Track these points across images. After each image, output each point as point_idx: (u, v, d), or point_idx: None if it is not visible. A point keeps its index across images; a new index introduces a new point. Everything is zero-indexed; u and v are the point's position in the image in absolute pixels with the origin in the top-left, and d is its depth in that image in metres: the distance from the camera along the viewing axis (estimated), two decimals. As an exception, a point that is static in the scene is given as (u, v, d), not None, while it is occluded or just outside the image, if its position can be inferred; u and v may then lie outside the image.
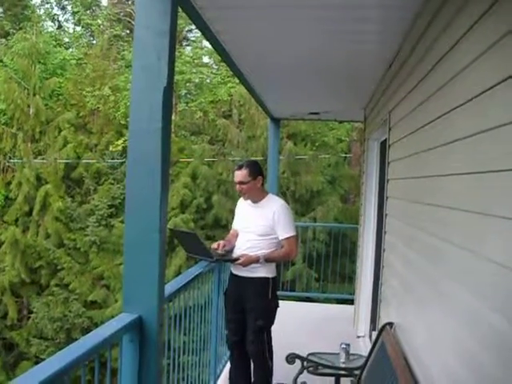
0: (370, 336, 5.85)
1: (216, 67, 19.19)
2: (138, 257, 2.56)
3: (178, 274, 12.35)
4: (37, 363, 14.07)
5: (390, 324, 3.78)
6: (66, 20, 24.43)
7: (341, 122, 12.58)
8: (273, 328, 4.77)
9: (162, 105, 2.51)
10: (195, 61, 18.47)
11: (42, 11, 23.59)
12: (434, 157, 2.87)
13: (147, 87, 2.55)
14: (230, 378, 5.01)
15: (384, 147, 5.16)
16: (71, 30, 23.27)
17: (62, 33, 22.93)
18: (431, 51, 3.01)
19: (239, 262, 4.51)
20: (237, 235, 4.87)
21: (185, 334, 4.19)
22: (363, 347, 5.83)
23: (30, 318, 15.13)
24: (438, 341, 2.62)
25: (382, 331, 3.81)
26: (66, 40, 21.45)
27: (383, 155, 5.33)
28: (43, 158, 16.00)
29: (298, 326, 7.12)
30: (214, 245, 4.79)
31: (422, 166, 3.22)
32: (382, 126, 5.28)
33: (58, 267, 15.02)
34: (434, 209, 2.84)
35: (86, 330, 14.03)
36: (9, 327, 15.12)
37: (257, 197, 4.68)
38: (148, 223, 2.53)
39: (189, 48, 20.07)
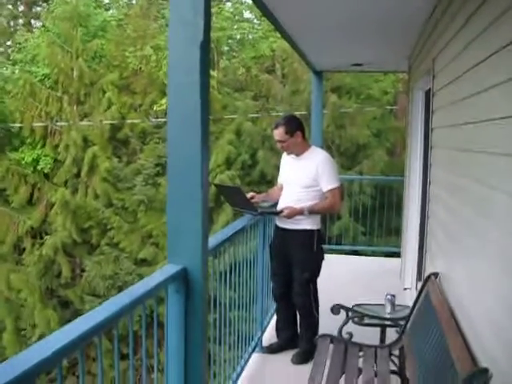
0: (416, 288, 5.84)
1: (257, 22, 18.99)
2: (181, 209, 2.59)
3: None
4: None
5: (435, 274, 3.77)
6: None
7: (385, 73, 12.37)
8: (319, 280, 4.81)
9: (200, 59, 2.51)
10: (236, 16, 18.30)
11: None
12: (479, 102, 2.81)
13: (184, 42, 2.54)
14: (277, 330, 5.10)
15: (428, 96, 5.07)
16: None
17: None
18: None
19: (283, 214, 4.54)
20: (281, 189, 4.89)
21: (232, 289, 4.26)
22: (409, 299, 5.83)
23: (82, 276, 15.55)
24: (481, 289, 2.61)
25: (427, 281, 3.80)
26: (106, 1, 21.47)
27: (428, 104, 5.24)
28: (89, 120, 16.19)
29: (344, 279, 7.16)
30: (251, 194, 4.82)
31: (466, 113, 3.15)
32: (426, 74, 5.17)
33: (108, 227, 15.31)
34: (479, 156, 2.79)
35: (136, 287, 14.36)
36: (63, 285, 15.58)
37: (299, 151, 4.68)
38: (190, 177, 2.55)
39: (229, 4, 19.87)
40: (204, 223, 2.60)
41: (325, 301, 4.72)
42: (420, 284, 4.35)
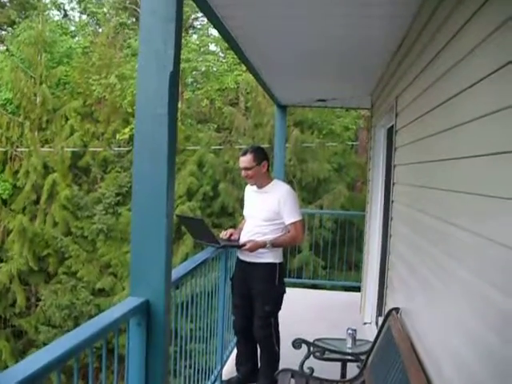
0: (377, 322, 5.86)
1: (222, 55, 19.16)
2: (144, 241, 2.57)
3: (185, 261, 12.39)
4: (45, 351, 14.29)
5: (396, 309, 3.79)
6: (72, 8, 24.42)
7: (348, 110, 12.56)
8: (280, 314, 4.79)
9: (169, 90, 2.52)
10: (201, 49, 18.44)
11: (48, 0, 23.57)
12: (440, 141, 2.88)
13: (153, 73, 2.55)
14: (237, 364, 5.04)
15: (391, 133, 5.16)
16: (77, 19, 23.30)
17: (68, 21, 22.93)
18: (440, 33, 3.00)
19: (246, 247, 4.52)
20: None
21: (192, 322, 4.22)
22: (369, 333, 5.85)
23: (38, 305, 15.23)
24: (442, 324, 2.63)
25: (388, 316, 3.82)
26: (72, 28, 21.45)
27: (390, 141, 5.32)
28: (50, 147, 16.04)
29: (304, 312, 7.15)
30: (223, 233, 4.83)
31: (428, 151, 3.22)
32: (388, 112, 5.27)
33: (66, 255, 15.09)
34: (438, 192, 2.84)
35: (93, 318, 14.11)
36: (17, 315, 15.24)
37: (262, 182, 4.69)
38: (155, 208, 2.54)
39: (195, 36, 20.03)
40: (168, 255, 2.58)
41: (285, 335, 4.70)
42: (381, 319, 4.37)
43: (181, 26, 2.66)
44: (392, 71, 5.07)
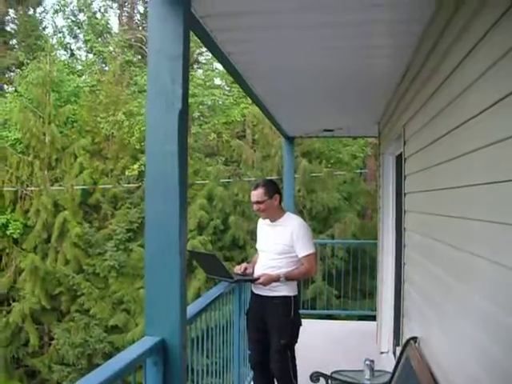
0: (394, 352, 5.79)
1: (228, 88, 19.31)
2: (158, 279, 2.56)
3: (198, 296, 12.33)
4: (59, 390, 14.17)
5: (414, 338, 3.75)
6: (79, 48, 24.80)
7: (355, 138, 12.60)
8: (296, 346, 4.74)
9: (178, 128, 2.52)
10: (207, 83, 18.60)
11: (55, 40, 23.93)
12: (451, 168, 2.86)
13: (162, 111, 2.56)
14: (254, 399, 4.99)
15: (400, 161, 5.15)
16: (84, 58, 23.61)
17: (75, 61, 23.25)
18: (443, 63, 3.01)
19: (260, 281, 4.50)
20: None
21: (207, 357, 4.18)
22: (387, 363, 5.77)
23: (51, 344, 15.18)
24: (461, 352, 2.60)
25: (406, 346, 3.77)
26: (79, 68, 21.72)
27: (399, 169, 5.31)
28: (60, 185, 16.12)
29: (320, 343, 7.07)
30: (237, 268, 4.81)
31: (438, 178, 3.20)
32: (396, 140, 5.27)
33: (78, 293, 15.06)
34: (452, 220, 2.82)
35: (107, 355, 14.05)
36: (30, 354, 15.18)
37: (274, 216, 4.69)
38: (168, 245, 2.53)
39: (200, 71, 20.22)
40: (182, 293, 2.56)
41: (302, 367, 4.66)
42: (398, 348, 4.32)
43: (188, 64, 2.68)
44: (398, 99, 5.08)
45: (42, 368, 14.93)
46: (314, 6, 3.22)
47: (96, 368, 2.24)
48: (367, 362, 4.52)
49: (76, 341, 14.47)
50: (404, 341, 3.95)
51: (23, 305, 14.93)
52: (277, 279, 4.48)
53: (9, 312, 15.13)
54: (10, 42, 25.71)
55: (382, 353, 6.52)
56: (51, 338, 15.30)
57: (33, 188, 16.21)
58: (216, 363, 4.52)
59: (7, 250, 15.82)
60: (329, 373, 4.48)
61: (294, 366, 4.69)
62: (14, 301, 15.43)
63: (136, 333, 13.87)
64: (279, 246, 4.56)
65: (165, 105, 2.55)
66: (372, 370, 4.50)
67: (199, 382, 3.98)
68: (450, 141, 2.90)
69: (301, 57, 4.37)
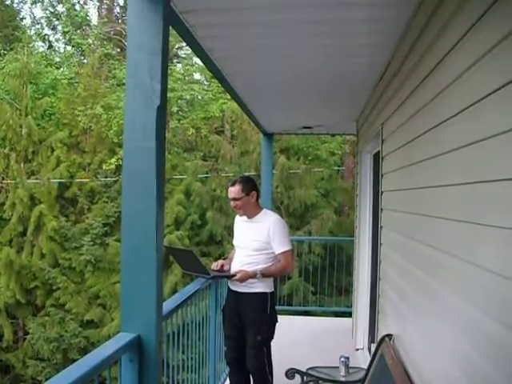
0: (369, 348, 5.84)
1: (207, 83, 19.26)
2: (135, 275, 2.55)
3: (174, 291, 12.32)
4: (33, 385, 14.06)
5: (389, 336, 3.78)
6: (57, 40, 24.54)
7: (333, 135, 12.64)
8: (271, 343, 4.76)
9: (156, 124, 2.52)
10: (186, 78, 18.54)
11: (33, 32, 23.67)
12: (428, 168, 2.89)
13: (140, 106, 2.55)
14: (230, 395, 5.00)
15: (377, 159, 5.19)
16: (62, 50, 23.37)
17: (53, 53, 23.00)
18: (422, 63, 3.04)
19: (236, 277, 4.51)
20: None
21: (183, 352, 4.18)
22: (362, 360, 5.82)
23: (25, 339, 15.04)
24: (436, 350, 2.63)
25: (380, 343, 3.81)
26: (57, 60, 21.49)
27: (376, 167, 5.35)
28: (36, 178, 15.97)
29: (296, 340, 7.10)
30: (214, 265, 4.81)
31: (415, 178, 3.23)
32: (374, 138, 5.30)
33: (54, 287, 14.95)
34: (428, 219, 2.85)
35: (82, 350, 13.97)
36: (4, 349, 15.02)
37: (251, 212, 4.70)
38: (144, 241, 2.53)
39: (180, 65, 20.13)
40: (158, 290, 2.56)
41: (278, 364, 4.67)
42: (373, 345, 4.36)
43: (167, 60, 2.68)
44: (377, 98, 5.12)
45: (16, 363, 14.79)
46: (291, 3, 3.23)
47: (71, 363, 2.24)
48: (342, 359, 4.55)
49: (51, 335, 14.36)
50: (379, 338, 3.98)
51: (-2, 299, 14.77)
52: (253, 276, 4.49)
53: (-17, 306, 14.97)
54: (-13, 33, 25.38)
55: (357, 349, 6.57)
56: (26, 333, 15.17)
57: (9, 181, 16.04)
58: (192, 359, 4.53)
59: (-18, 243, 15.65)
60: (304, 369, 4.51)
61: (270, 362, 4.71)
62: (-12, 294, 15.26)
63: (112, 328, 13.81)
64: (256, 242, 4.57)
65: (143, 100, 2.55)
66: (347, 366, 4.53)
67: (175, 377, 3.98)
68: (426, 141, 2.93)
69: (280, 54, 4.38)
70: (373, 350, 4.17)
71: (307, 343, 7.06)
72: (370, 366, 3.88)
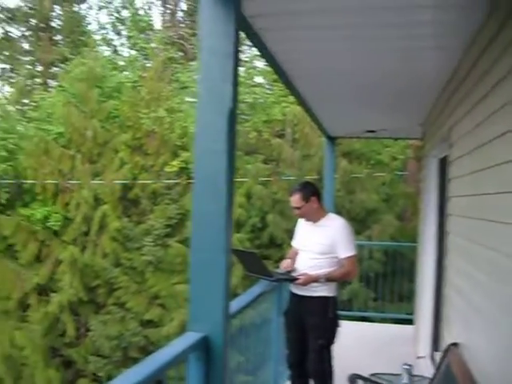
0: (432, 357, 5.73)
1: (269, 87, 19.30)
2: (203, 276, 2.58)
3: (234, 292, 12.37)
4: (94, 380, 14.37)
5: (455, 344, 3.70)
6: (122, 44, 25.08)
7: (396, 140, 12.49)
8: (333, 347, 4.73)
9: (227, 127, 2.54)
10: (248, 81, 18.62)
11: (99, 37, 24.27)
12: (499, 174, 2.82)
13: (212, 110, 2.58)
14: (291, 398, 4.99)
15: (444, 164, 5.10)
16: (126, 54, 23.84)
17: (118, 57, 23.50)
18: (495, 67, 2.97)
19: (300, 281, 4.51)
20: (296, 254, 4.87)
21: (243, 354, 4.19)
22: (425, 368, 5.71)
23: (87, 336, 15.35)
24: (508, 360, 2.56)
25: (446, 352, 3.73)
26: (122, 64, 21.93)
27: (443, 172, 5.25)
28: (101, 179, 16.30)
29: (356, 346, 7.04)
30: (284, 265, 4.80)
31: (485, 183, 3.16)
32: (441, 142, 5.21)
33: (115, 286, 15.21)
34: (498, 226, 2.78)
35: (142, 349, 14.18)
36: (67, 344, 15.37)
37: (315, 217, 4.68)
38: (214, 242, 2.55)
39: (241, 69, 20.24)
40: (226, 291, 2.58)
41: (338, 368, 4.64)
42: (437, 353, 4.27)
43: (238, 63, 2.70)
44: (444, 102, 5.03)
45: (78, 358, 15.11)
46: (358, 6, 3.22)
47: (131, 361, 2.28)
48: (405, 367, 4.47)
49: (112, 333, 14.61)
50: (444, 346, 3.91)
51: (61, 296, 15.10)
52: (317, 279, 4.48)
53: (47, 302, 15.34)
54: (55, 38, 26.15)
55: (419, 357, 6.45)
56: (87, 330, 15.47)
57: (74, 181, 16.42)
58: (252, 361, 4.54)
59: (47, 242, 16.04)
60: (366, 375, 4.46)
61: (331, 367, 4.69)
62: (52, 291, 15.64)
63: (171, 328, 13.96)
64: (320, 246, 4.56)
65: (215, 103, 2.57)
66: (410, 374, 4.45)
67: (235, 379, 3.99)
68: (498, 146, 2.86)
69: (345, 57, 4.37)
70: (436, 358, 4.10)
71: (367, 349, 6.99)
72: (435, 375, 3.81)
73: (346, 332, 5.37)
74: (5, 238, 15.87)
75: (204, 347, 2.55)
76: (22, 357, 14.89)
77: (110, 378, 13.91)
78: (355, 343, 7.11)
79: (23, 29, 26.70)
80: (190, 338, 2.54)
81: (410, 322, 7.72)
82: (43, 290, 15.88)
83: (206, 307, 2.59)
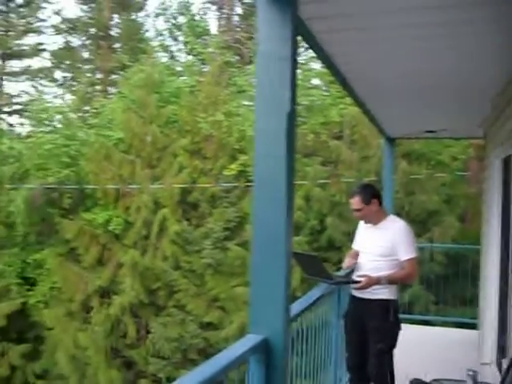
0: (499, 363, 5.57)
1: (325, 89, 19.20)
2: (264, 279, 2.59)
3: (293, 295, 12.35)
4: (154, 381, 14.59)
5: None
6: (179, 50, 25.46)
7: (457, 139, 12.25)
8: (394, 352, 4.67)
9: (286, 130, 2.54)
10: (304, 83, 18.56)
11: (156, 43, 24.68)
12: None
13: (270, 114, 2.59)
14: (351, 402, 4.95)
15: (507, 164, 4.97)
16: (183, 59, 24.14)
17: (175, 62, 23.83)
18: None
19: (360, 284, 4.47)
20: (357, 255, 4.84)
21: (302, 356, 4.18)
22: (490, 375, 5.56)
23: (147, 337, 15.59)
24: None
25: (513, 358, 3.63)
26: (179, 69, 22.22)
27: (507, 172, 5.13)
28: (160, 184, 16.54)
29: (417, 350, 6.93)
30: (348, 263, 4.76)
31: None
32: (505, 142, 5.08)
33: (175, 289, 15.39)
34: None
35: (202, 351, 14.32)
36: (128, 346, 15.65)
37: (376, 220, 4.64)
38: (274, 245, 2.56)
39: (298, 71, 20.17)
40: (287, 294, 2.59)
41: (399, 373, 4.58)
42: (504, 360, 4.17)
43: (296, 66, 2.71)
44: (507, 100, 4.90)
45: (139, 359, 15.37)
46: (414, 6, 3.17)
47: (191, 363, 2.31)
48: (470, 373, 4.37)
49: (172, 335, 14.80)
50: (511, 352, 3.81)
51: (123, 298, 15.41)
52: (378, 282, 4.43)
53: (109, 304, 15.68)
54: (114, 46, 26.76)
55: (483, 364, 6.30)
56: (148, 332, 15.71)
57: (134, 186, 16.71)
58: (312, 364, 4.51)
59: (109, 246, 16.38)
60: (428, 381, 4.38)
61: (392, 371, 4.63)
62: (114, 294, 15.97)
63: (230, 330, 14.05)
64: (381, 248, 4.52)
65: (273, 107, 2.58)
66: (475, 381, 4.35)
67: (295, 382, 3.98)
68: None
69: (403, 57, 4.33)
70: (503, 365, 3.99)
71: (428, 354, 6.87)
72: (502, 382, 3.71)
73: (406, 336, 5.29)
74: (68, 242, 16.33)
75: (264, 350, 2.56)
76: (86, 357, 15.28)
77: (169, 379, 14.13)
78: (416, 347, 6.99)
79: (83, 38, 27.52)
80: (250, 340, 2.56)
81: (472, 326, 7.56)
82: (105, 293, 16.24)
83: (266, 310, 2.60)
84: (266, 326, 2.60)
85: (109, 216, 16.50)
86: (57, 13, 28.13)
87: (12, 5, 28.12)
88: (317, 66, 18.51)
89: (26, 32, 28.14)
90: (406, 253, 4.46)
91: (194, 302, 15.21)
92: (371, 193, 4.67)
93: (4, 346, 16.27)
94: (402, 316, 8.56)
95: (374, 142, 15.07)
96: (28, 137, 20.35)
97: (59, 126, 19.37)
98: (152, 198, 16.08)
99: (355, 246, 4.95)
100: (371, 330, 4.58)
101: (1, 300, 16.46)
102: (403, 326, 4.81)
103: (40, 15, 28.59)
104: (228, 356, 2.39)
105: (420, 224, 14.93)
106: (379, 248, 4.53)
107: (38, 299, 16.48)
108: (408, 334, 6.64)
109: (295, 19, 2.69)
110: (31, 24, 28.41)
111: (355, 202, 4.62)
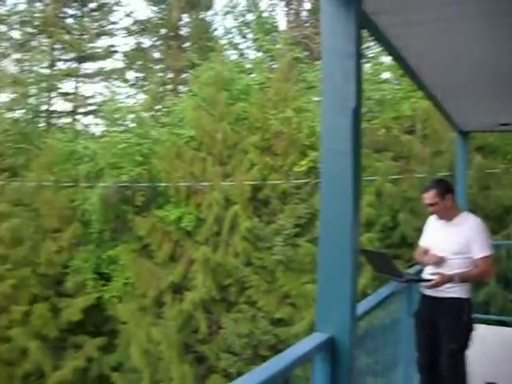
0: None
1: (396, 82, 18.90)
2: (331, 276, 2.58)
3: (363, 293, 12.22)
4: (225, 376, 14.74)
5: None
6: (248, 47, 25.60)
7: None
8: (468, 353, 4.54)
9: (352, 126, 2.52)
10: (374, 77, 18.32)
11: (225, 41, 24.91)
12: None
13: (336, 109, 2.58)
14: (422, 403, 4.86)
15: None
16: (252, 56, 24.26)
17: (244, 60, 23.96)
18: None
19: (432, 282, 4.37)
20: (425, 252, 4.74)
21: (370, 355, 4.13)
22: None
23: (219, 333, 15.76)
24: None
25: None
26: (248, 66, 22.32)
27: None
28: (231, 181, 16.66)
29: (492, 351, 6.72)
30: (432, 257, 4.64)
31: None
32: None
33: (246, 285, 15.49)
34: None
35: (272, 347, 14.34)
36: (200, 341, 15.86)
37: (449, 215, 4.54)
38: (341, 243, 2.55)
39: (367, 65, 19.96)
40: (353, 292, 2.56)
41: (473, 375, 4.46)
42: None
43: (361, 62, 2.68)
44: None
45: (210, 355, 15.55)
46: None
47: (261, 359, 2.32)
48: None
49: (243, 331, 14.90)
50: None
51: (195, 294, 15.61)
52: (451, 280, 4.33)
53: (181, 300, 15.93)
54: (184, 45, 27.19)
55: None
56: (219, 327, 15.87)
57: (205, 183, 16.90)
58: (381, 363, 4.46)
59: (181, 242, 16.64)
60: None
61: (465, 372, 4.51)
62: (186, 290, 16.20)
63: (301, 327, 14.02)
64: (455, 245, 4.41)
65: (338, 103, 2.57)
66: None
67: (363, 381, 3.94)
68: None
69: (473, 47, 4.22)
70: None
71: (505, 356, 6.65)
72: None
73: (481, 336, 5.15)
74: (141, 239, 16.71)
75: (330, 348, 2.55)
76: (158, 351, 15.59)
77: (240, 374, 14.17)
78: (492, 348, 6.78)
79: (154, 38, 28.09)
80: (316, 338, 2.56)
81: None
82: (178, 289, 16.51)
83: (332, 308, 2.59)
84: (333, 324, 2.59)
85: (181, 213, 16.75)
86: (128, 15, 28.94)
87: (85, 9, 28.97)
88: (387, 59, 18.23)
89: (99, 35, 28.94)
90: (481, 250, 4.34)
91: (265, 298, 15.25)
92: (446, 187, 4.58)
93: (81, 338, 16.82)
94: (476, 316, 8.39)
95: (446, 136, 14.70)
96: (102, 136, 20.89)
97: (132, 125, 19.83)
98: (223, 195, 16.22)
99: (423, 242, 4.85)
100: (443, 329, 4.48)
101: (77, 295, 17.04)
102: (478, 326, 4.69)
103: (112, 18, 29.37)
104: (293, 354, 2.39)
105: (496, 220, 14.48)
106: (453, 245, 4.43)
107: (112, 294, 16.97)
108: (483, 334, 6.48)
109: (360, 14, 2.67)
110: (104, 27, 29.20)
111: (429, 196, 4.53)
